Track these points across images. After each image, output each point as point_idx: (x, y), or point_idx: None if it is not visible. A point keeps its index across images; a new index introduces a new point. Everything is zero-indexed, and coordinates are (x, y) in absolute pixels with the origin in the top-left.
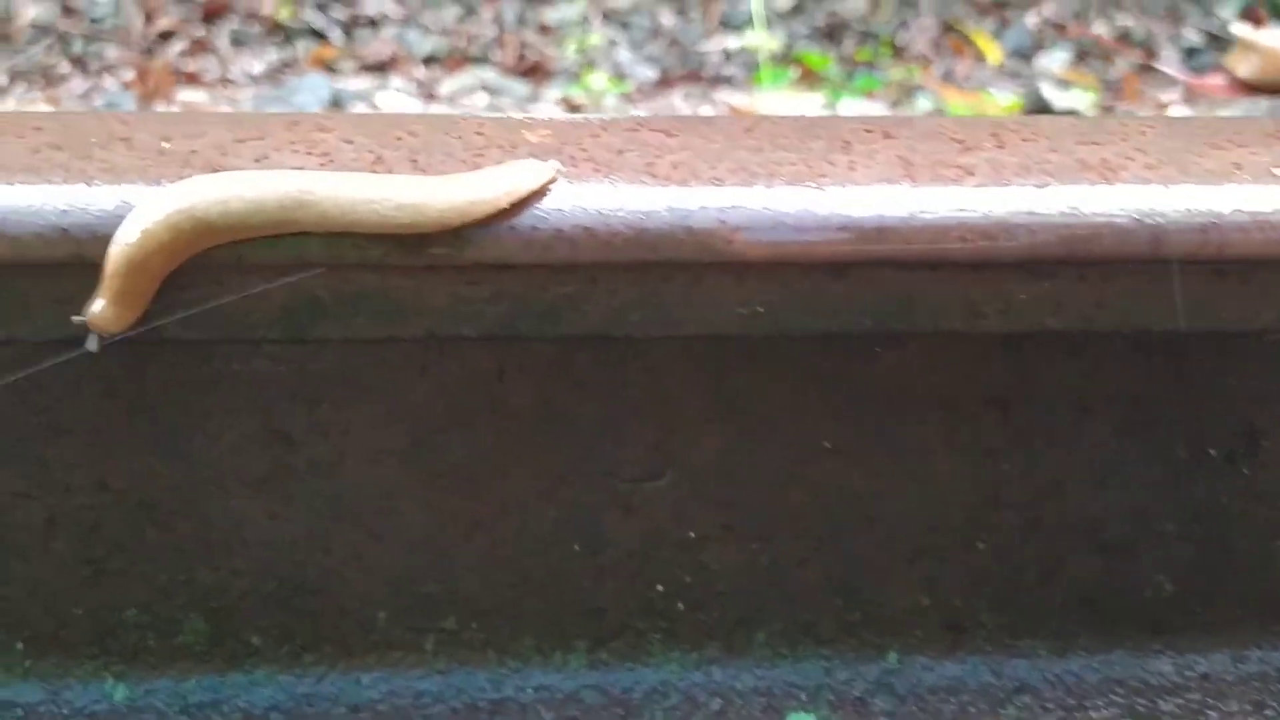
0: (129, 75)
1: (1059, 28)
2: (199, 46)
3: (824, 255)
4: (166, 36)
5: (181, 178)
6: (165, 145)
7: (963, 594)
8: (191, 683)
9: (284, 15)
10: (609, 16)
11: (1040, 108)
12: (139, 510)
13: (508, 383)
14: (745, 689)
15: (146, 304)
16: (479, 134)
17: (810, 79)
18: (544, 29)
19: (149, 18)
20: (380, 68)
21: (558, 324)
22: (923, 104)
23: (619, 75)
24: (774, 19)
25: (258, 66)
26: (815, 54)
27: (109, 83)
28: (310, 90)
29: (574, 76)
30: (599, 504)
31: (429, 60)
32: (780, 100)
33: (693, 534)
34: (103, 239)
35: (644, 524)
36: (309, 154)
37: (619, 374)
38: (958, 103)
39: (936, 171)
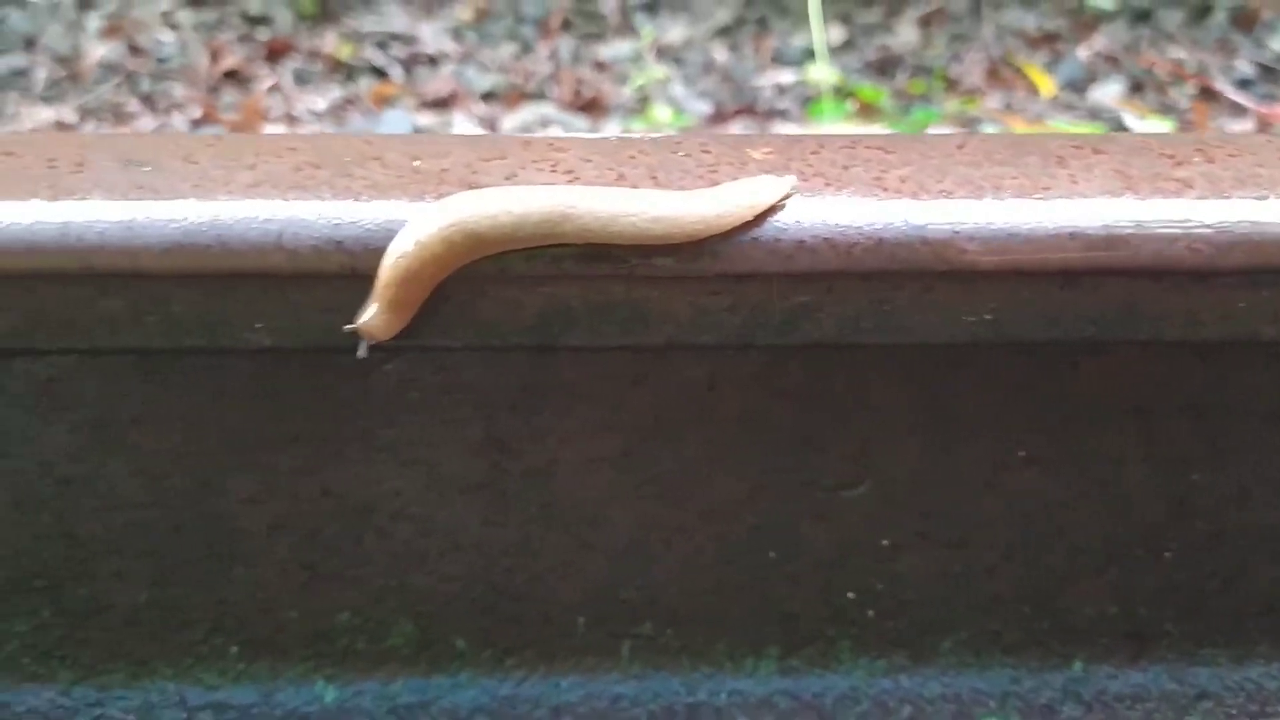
0: (196, 113)
1: (1111, 60)
2: (256, 87)
3: (1055, 264)
4: (231, 75)
5: (441, 194)
6: (416, 164)
7: (1148, 603)
8: (398, 685)
9: (345, 54)
10: (663, 53)
11: None
12: (358, 515)
13: (717, 393)
14: (933, 696)
15: (414, 313)
16: (706, 152)
17: (867, 112)
18: (599, 65)
19: (214, 57)
20: (441, 104)
21: (793, 333)
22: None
23: (677, 110)
24: (818, 54)
25: (321, 104)
26: (869, 87)
27: (177, 120)
28: (391, 125)
29: (630, 111)
30: (797, 512)
31: (488, 96)
32: (840, 133)
33: (886, 542)
34: (374, 251)
35: (839, 532)
36: (554, 171)
37: (824, 384)
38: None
39: (1155, 184)
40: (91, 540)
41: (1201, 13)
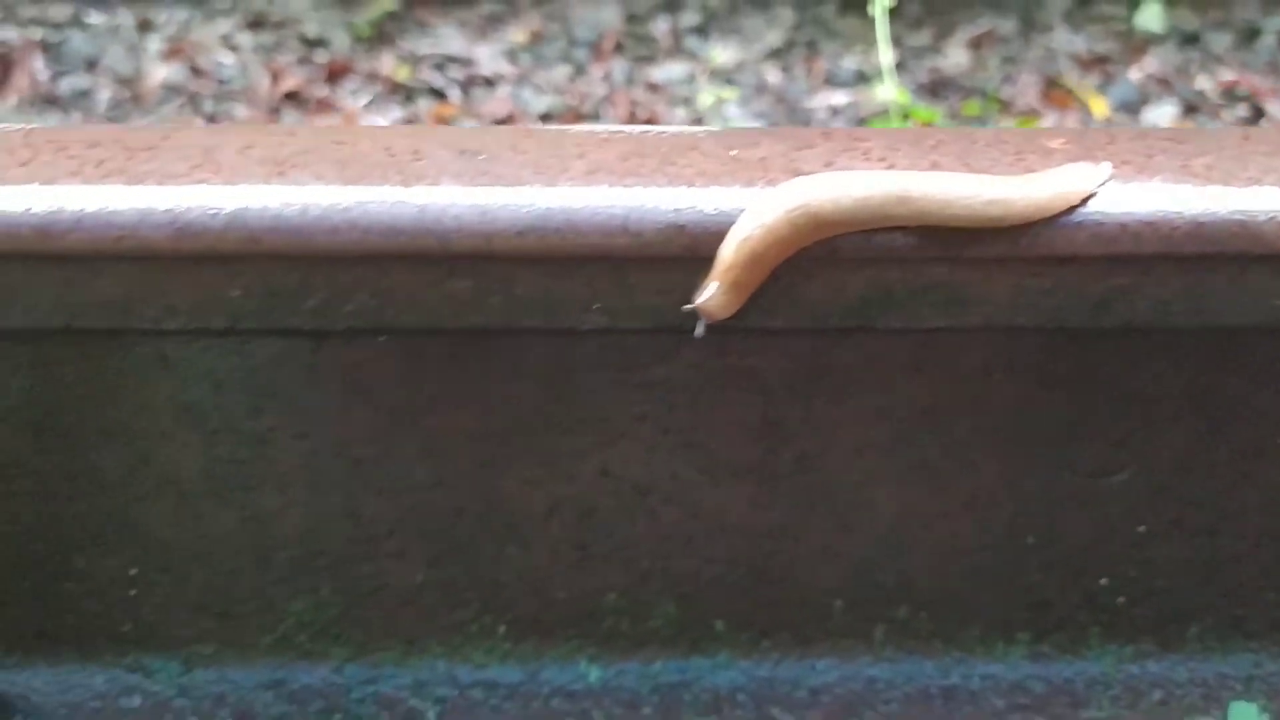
0: None
1: (1162, 82)
2: (324, 106)
3: None
4: (291, 96)
5: (770, 181)
6: (733, 153)
7: None
8: (658, 665)
9: (403, 75)
10: (715, 74)
11: None
12: (633, 497)
13: (991, 380)
14: (1182, 680)
15: (750, 294)
16: (1004, 142)
17: None
18: (652, 87)
19: (275, 78)
20: (499, 124)
21: (1105, 316)
22: None
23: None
24: (876, 75)
25: (383, 123)
26: (924, 108)
27: None
28: None
29: None
30: (1057, 499)
31: (544, 117)
32: None
33: (1142, 529)
34: (714, 234)
35: (1097, 518)
36: (866, 159)
37: (1094, 371)
38: None
39: None
40: (376, 520)
41: (1250, 35)
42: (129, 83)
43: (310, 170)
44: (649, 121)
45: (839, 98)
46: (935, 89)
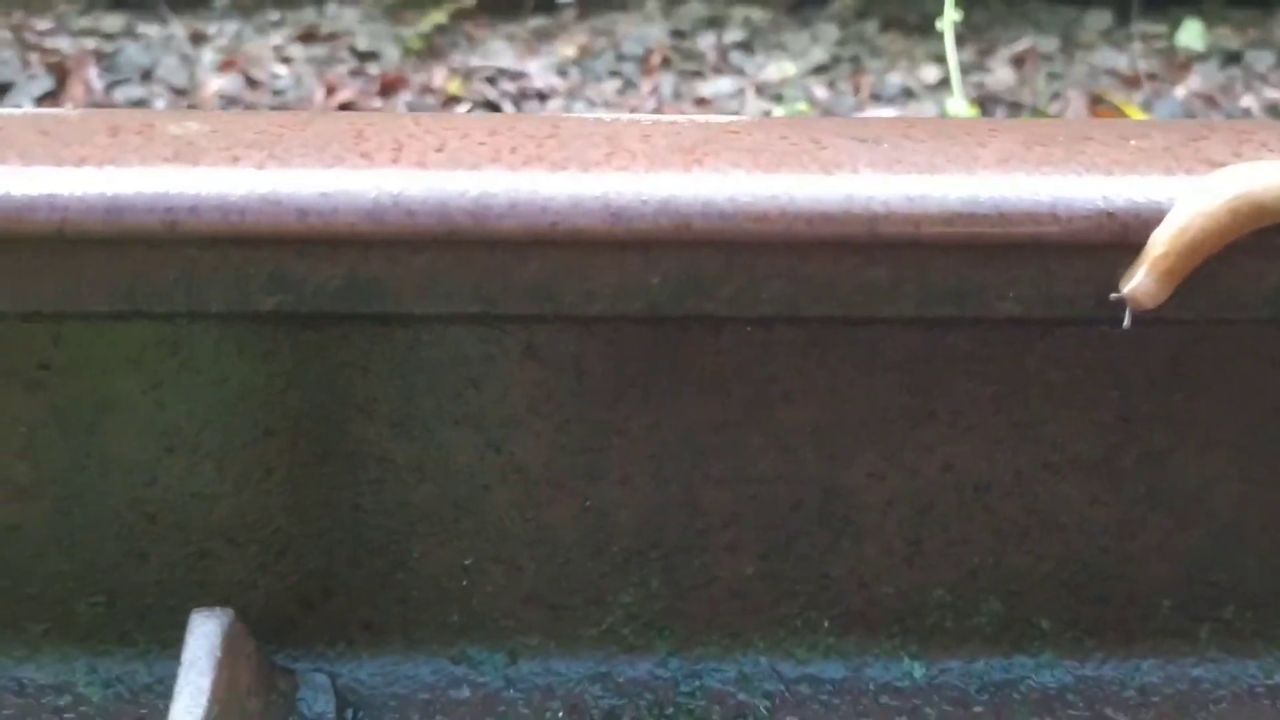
0: None
1: (1208, 99)
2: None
3: None
4: (346, 108)
5: (1192, 171)
6: (1132, 143)
7: None
8: (981, 663)
9: (455, 89)
10: (761, 90)
11: None
12: (973, 492)
13: None
14: None
15: (1180, 283)
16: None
17: None
18: (700, 101)
19: (329, 91)
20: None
21: None
22: None
23: None
24: (922, 91)
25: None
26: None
27: None
28: None
29: None
30: None
31: None
32: None
33: None
34: (1145, 221)
35: None
36: (1269, 150)
37: None
38: None
39: None
40: (713, 512)
41: None
42: (184, 93)
43: (724, 158)
44: None
45: (887, 113)
46: (983, 105)
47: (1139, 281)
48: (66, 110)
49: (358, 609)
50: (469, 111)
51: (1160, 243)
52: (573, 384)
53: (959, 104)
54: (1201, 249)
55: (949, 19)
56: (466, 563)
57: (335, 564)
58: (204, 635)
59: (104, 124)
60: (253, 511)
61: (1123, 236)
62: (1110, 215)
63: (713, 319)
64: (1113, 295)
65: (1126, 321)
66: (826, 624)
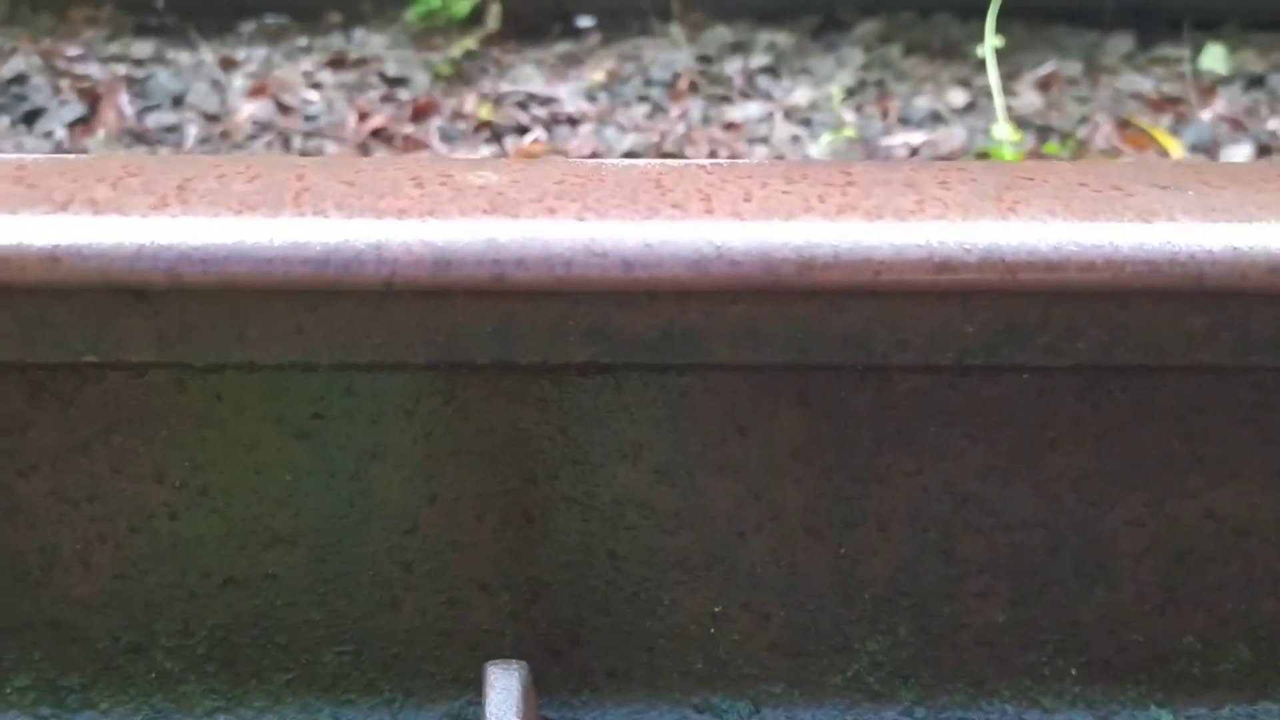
0: None
1: (1234, 123)
2: (411, 143)
3: None
4: (378, 134)
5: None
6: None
7: None
8: (1227, 709)
9: (486, 113)
10: (790, 114)
11: None
12: (1231, 538)
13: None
14: None
15: None
16: None
17: None
18: (729, 125)
19: (361, 116)
20: (588, 159)
21: None
22: None
23: None
24: (950, 115)
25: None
26: (1006, 149)
27: None
28: None
29: None
30: None
31: (628, 154)
32: None
33: None
34: None
35: None
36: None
37: None
38: None
39: None
40: (968, 559)
41: None
42: (216, 119)
43: (1036, 205)
44: (732, 158)
45: (916, 136)
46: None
47: None
48: (364, 160)
49: (604, 657)
50: (502, 136)
51: None
52: (837, 431)
53: (1004, 129)
54: None
55: (990, 44)
56: (715, 610)
57: (585, 611)
58: (504, 689)
59: (405, 174)
60: (508, 559)
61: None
62: None
63: (988, 368)
64: None
65: None
66: (1074, 672)
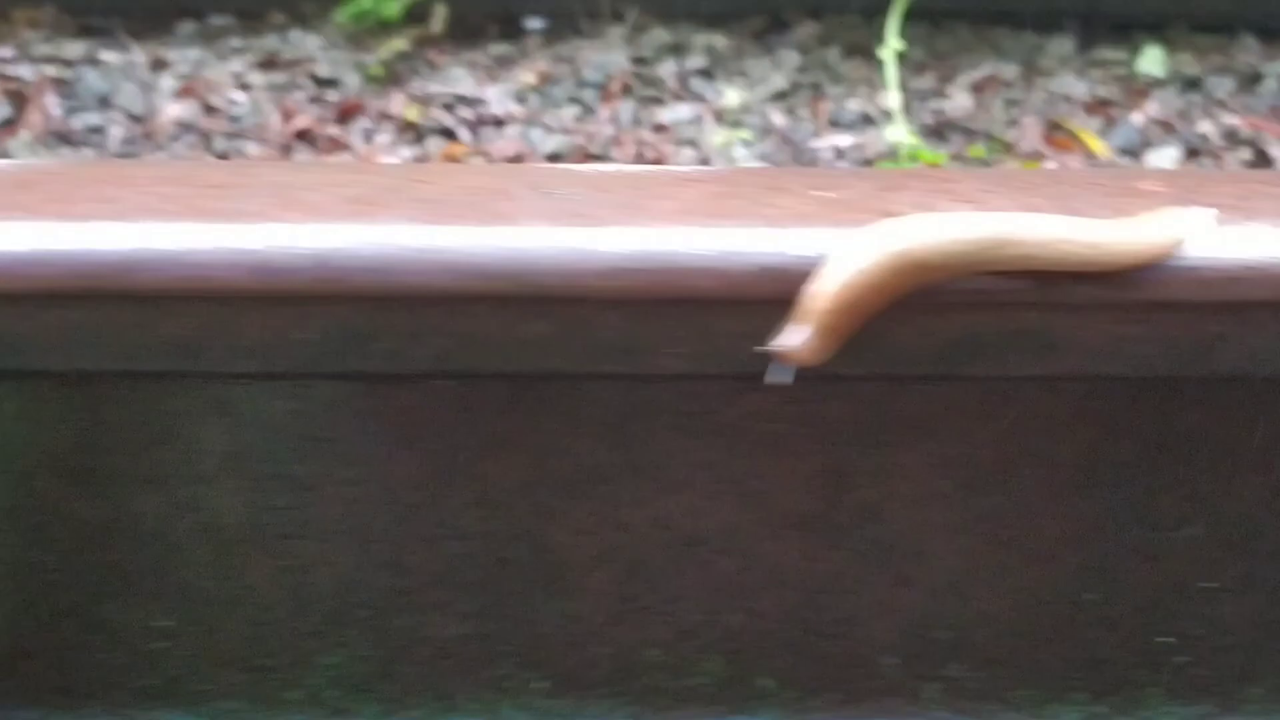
0: None
1: (1165, 126)
2: (335, 144)
3: None
4: (302, 135)
5: (861, 223)
6: (817, 193)
7: None
8: None
9: (413, 115)
10: (721, 117)
11: None
12: (685, 548)
13: (1068, 430)
14: None
15: (844, 340)
16: (1097, 184)
17: None
18: (659, 128)
19: (286, 117)
20: (509, 164)
21: (1199, 364)
22: None
23: None
24: (881, 118)
25: (394, 162)
26: (928, 151)
27: None
28: None
29: None
30: (1122, 553)
31: (552, 157)
32: None
33: (1210, 585)
34: (807, 276)
35: (1163, 574)
36: (961, 201)
37: (1170, 419)
38: None
39: None
40: (419, 570)
41: (1252, 80)
42: (141, 120)
43: (398, 211)
44: (655, 162)
45: (844, 139)
46: (940, 131)
47: (801, 337)
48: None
49: (53, 672)
50: (426, 138)
51: (821, 299)
52: (262, 441)
53: (899, 131)
54: (862, 307)
55: (890, 48)
56: (163, 625)
57: (24, 628)
58: None
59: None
60: None
61: (786, 293)
62: (773, 271)
63: (409, 374)
64: (772, 348)
65: (776, 376)
66: (540, 685)
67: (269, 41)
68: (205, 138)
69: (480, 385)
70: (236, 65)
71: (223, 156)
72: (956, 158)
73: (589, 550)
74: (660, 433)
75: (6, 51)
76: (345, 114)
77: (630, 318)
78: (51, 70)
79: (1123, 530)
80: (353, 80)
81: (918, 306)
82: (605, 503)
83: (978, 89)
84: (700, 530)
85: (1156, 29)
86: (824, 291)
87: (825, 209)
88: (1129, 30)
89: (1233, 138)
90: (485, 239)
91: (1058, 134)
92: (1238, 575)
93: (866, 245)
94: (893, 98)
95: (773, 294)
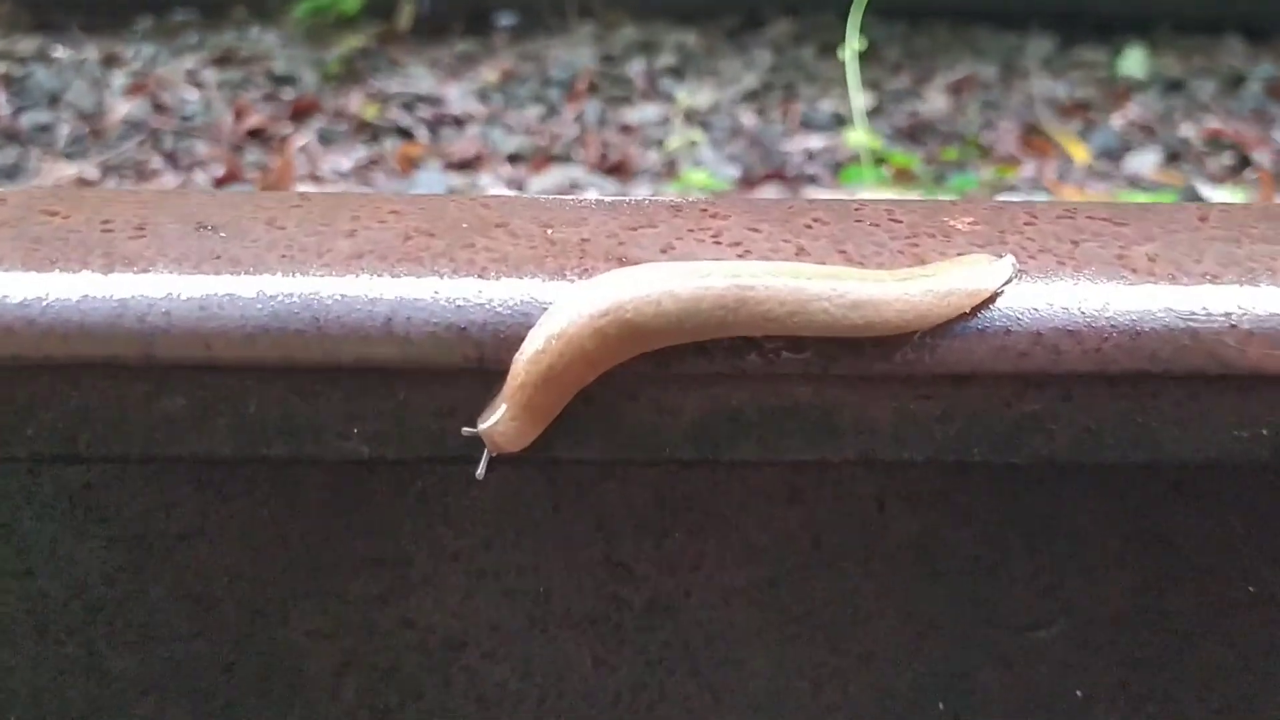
0: (219, 170)
1: (1145, 129)
2: (287, 143)
3: None
4: (255, 134)
5: (586, 270)
6: (549, 232)
7: None
8: None
9: (370, 114)
10: (690, 117)
11: None
12: (445, 651)
13: (887, 513)
14: None
15: (551, 420)
16: (896, 220)
17: (902, 178)
18: (624, 129)
19: (238, 115)
20: (465, 165)
21: (1017, 449)
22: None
23: (709, 173)
24: (855, 119)
25: (346, 163)
26: (900, 153)
27: (199, 177)
28: (426, 187)
29: (659, 175)
30: (973, 656)
31: (514, 158)
32: (877, 199)
33: (1080, 693)
34: (505, 341)
35: (1023, 680)
36: (717, 243)
37: (1013, 504)
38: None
39: None
40: (124, 676)
41: (1234, 83)
42: (90, 118)
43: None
44: (619, 164)
45: (815, 141)
46: (914, 134)
47: (498, 418)
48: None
49: None
50: (381, 137)
51: (519, 371)
52: None
53: (858, 135)
54: (565, 380)
55: (851, 49)
56: None
57: None
58: None
59: None
60: None
61: (480, 359)
62: (463, 331)
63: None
64: (467, 431)
65: (482, 469)
66: None
67: (226, 38)
68: (155, 136)
69: (164, 467)
70: (191, 62)
71: (171, 155)
72: (929, 161)
73: (329, 656)
74: (397, 517)
75: None
76: (299, 112)
77: (289, 391)
78: (1, 67)
79: (973, 630)
80: (310, 78)
81: (654, 378)
82: (339, 599)
83: (954, 90)
84: (459, 632)
85: (1139, 29)
86: (519, 362)
87: (548, 253)
88: (1111, 30)
89: (1215, 142)
90: (96, 289)
91: (1035, 137)
92: (1111, 683)
93: (568, 306)
94: (855, 100)
95: (467, 362)
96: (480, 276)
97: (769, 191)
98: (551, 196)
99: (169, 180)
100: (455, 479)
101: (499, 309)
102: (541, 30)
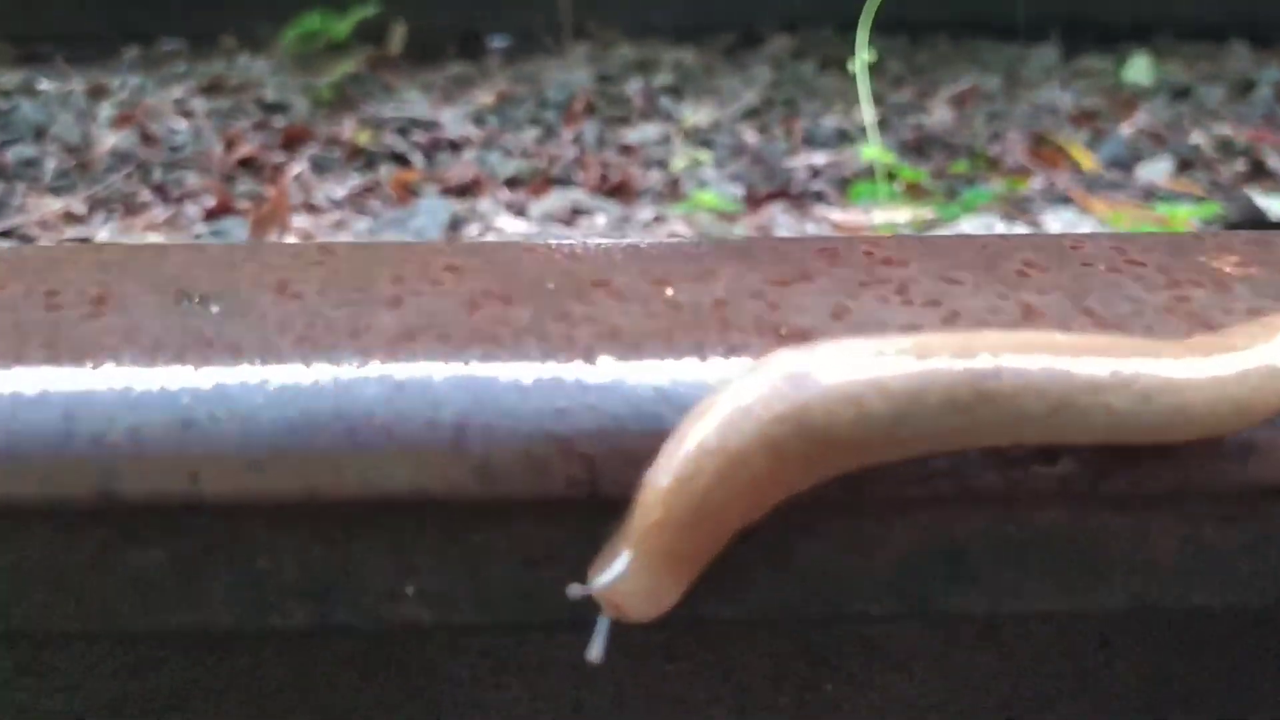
0: (210, 202)
1: (1154, 137)
2: (279, 173)
3: None
4: (246, 163)
5: (735, 349)
6: (668, 292)
7: None
8: None
9: (364, 140)
10: (689, 136)
11: (1254, 219)
12: None
13: (1112, 651)
14: None
15: (699, 571)
16: (1135, 262)
17: (913, 193)
18: (624, 149)
19: (229, 145)
20: (463, 190)
21: None
22: (1067, 218)
23: (716, 193)
24: (858, 134)
25: (340, 191)
26: (909, 168)
27: (190, 209)
28: (428, 214)
29: (661, 195)
30: None
31: (511, 182)
32: (891, 215)
33: None
34: (630, 457)
35: None
36: (906, 302)
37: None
38: (1110, 215)
39: None
40: None
41: (1244, 88)
42: (77, 151)
43: None
44: (620, 185)
45: (819, 158)
46: (920, 147)
47: (621, 571)
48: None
49: None
50: (376, 164)
51: (652, 502)
52: None
53: (872, 150)
54: (725, 515)
55: (861, 60)
56: None
57: None
58: None
59: None
60: None
61: (590, 484)
62: (563, 441)
63: None
64: (574, 590)
65: (597, 647)
66: None
67: (215, 66)
68: (143, 168)
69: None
70: (179, 91)
71: (160, 188)
72: (938, 175)
73: None
74: (452, 691)
75: None
76: (291, 140)
77: (314, 536)
78: None
79: None
80: (301, 105)
81: (844, 505)
82: None
83: (958, 102)
84: None
85: (1143, 37)
86: (653, 489)
87: (674, 323)
88: (1113, 39)
89: (1227, 149)
90: (33, 393)
91: (1043, 147)
92: None
93: (725, 408)
94: (867, 113)
95: (577, 488)
96: (586, 360)
97: (775, 210)
98: (658, 241)
99: (158, 213)
100: (538, 647)
101: (617, 411)
102: (535, 51)
